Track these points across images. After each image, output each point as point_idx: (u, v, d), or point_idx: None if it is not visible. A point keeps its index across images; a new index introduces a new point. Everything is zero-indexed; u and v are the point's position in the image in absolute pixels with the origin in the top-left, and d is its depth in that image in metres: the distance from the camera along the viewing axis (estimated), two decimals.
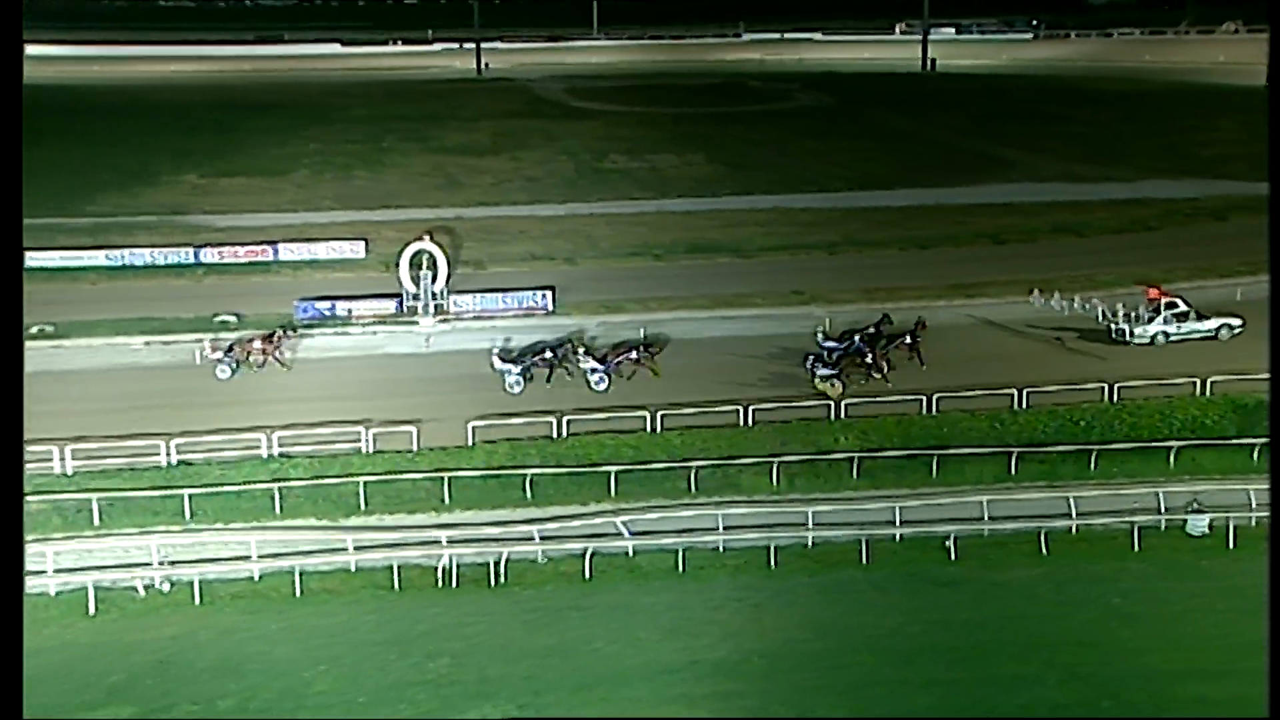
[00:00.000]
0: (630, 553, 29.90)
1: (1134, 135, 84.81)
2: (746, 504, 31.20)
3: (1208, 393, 34.21)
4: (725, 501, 31.24)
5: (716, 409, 34.68)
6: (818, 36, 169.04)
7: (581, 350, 37.67)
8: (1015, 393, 34.53)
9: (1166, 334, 40.91)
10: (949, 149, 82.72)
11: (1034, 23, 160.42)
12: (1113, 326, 41.09)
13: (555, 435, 33.80)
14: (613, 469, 31.97)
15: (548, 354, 37.41)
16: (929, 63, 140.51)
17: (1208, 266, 46.73)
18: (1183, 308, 40.93)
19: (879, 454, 32.54)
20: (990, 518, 30.37)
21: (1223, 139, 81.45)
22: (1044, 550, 29.56)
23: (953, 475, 32.16)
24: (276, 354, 38.44)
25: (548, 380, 37.09)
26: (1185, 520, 30.17)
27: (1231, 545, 29.39)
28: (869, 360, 37.24)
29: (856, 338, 38.32)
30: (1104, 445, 32.33)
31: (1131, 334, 40.58)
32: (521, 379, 36.76)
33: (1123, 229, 55.75)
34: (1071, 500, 30.52)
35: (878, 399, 34.72)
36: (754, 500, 31.47)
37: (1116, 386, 34.42)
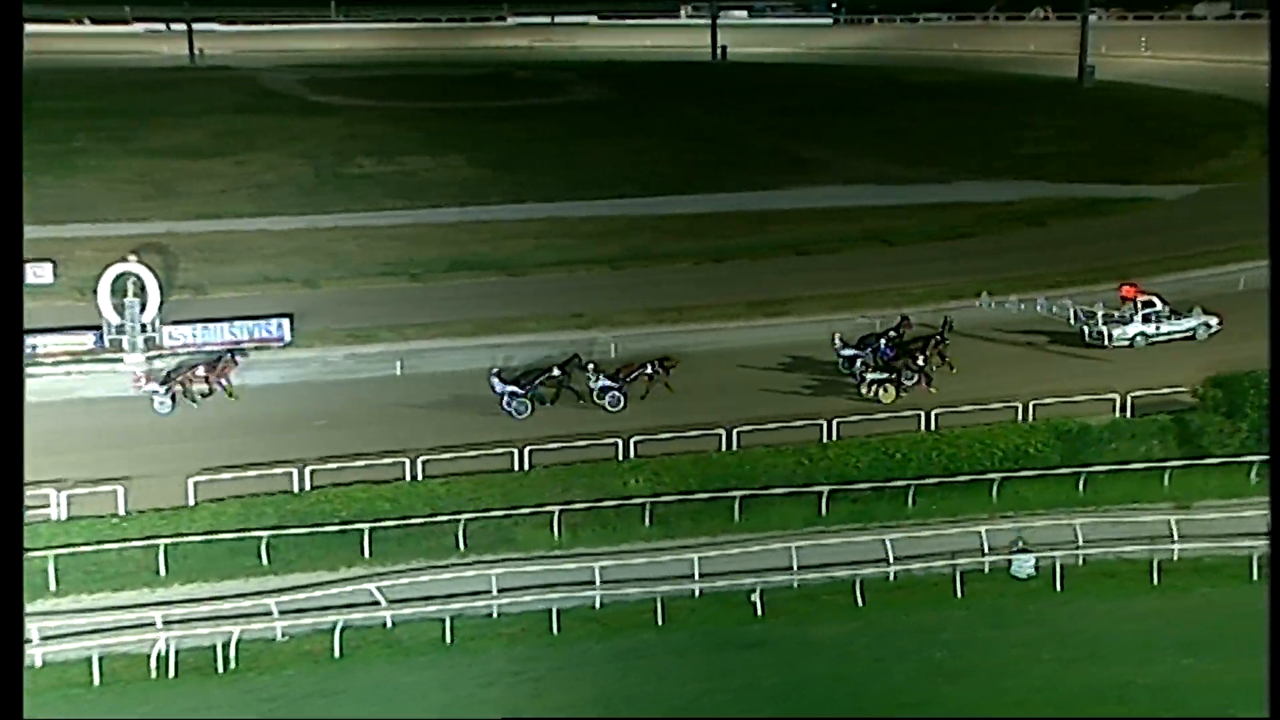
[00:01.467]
0: (389, 624, 29.46)
1: (946, 132, 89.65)
2: (523, 561, 31.19)
3: (1029, 418, 36.23)
4: (499, 560, 31.17)
5: (488, 451, 34.54)
6: (594, 21, 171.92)
7: (591, 366, 38.52)
8: (824, 424, 35.71)
9: (1145, 334, 42.99)
10: (745, 148, 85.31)
11: (834, 6, 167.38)
12: (1087, 329, 43.07)
13: (296, 489, 32.98)
14: (366, 526, 31.43)
15: (555, 372, 38.28)
16: (719, 50, 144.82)
17: (1027, 277, 49.60)
18: (1160, 306, 43.12)
19: (674, 498, 33.06)
20: (800, 567, 31.24)
21: (1038, 136, 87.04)
22: (859, 601, 30.60)
23: (757, 520, 32.95)
24: (222, 381, 38.86)
25: (551, 402, 38.01)
26: (1010, 561, 31.76)
27: (1059, 587, 31.10)
28: (921, 363, 39.13)
29: (882, 342, 40.13)
30: (921, 480, 33.79)
31: (1110, 336, 42.54)
32: (529, 403, 37.56)
33: (937, 236, 58.70)
34: (888, 543, 31.73)
35: (673, 435, 35.26)
36: (532, 557, 31.47)
37: (934, 413, 36.04)
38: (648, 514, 32.77)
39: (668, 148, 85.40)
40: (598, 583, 30.55)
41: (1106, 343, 42.58)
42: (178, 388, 38.55)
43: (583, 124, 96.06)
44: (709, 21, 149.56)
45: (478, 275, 52.67)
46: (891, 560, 31.46)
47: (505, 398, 37.73)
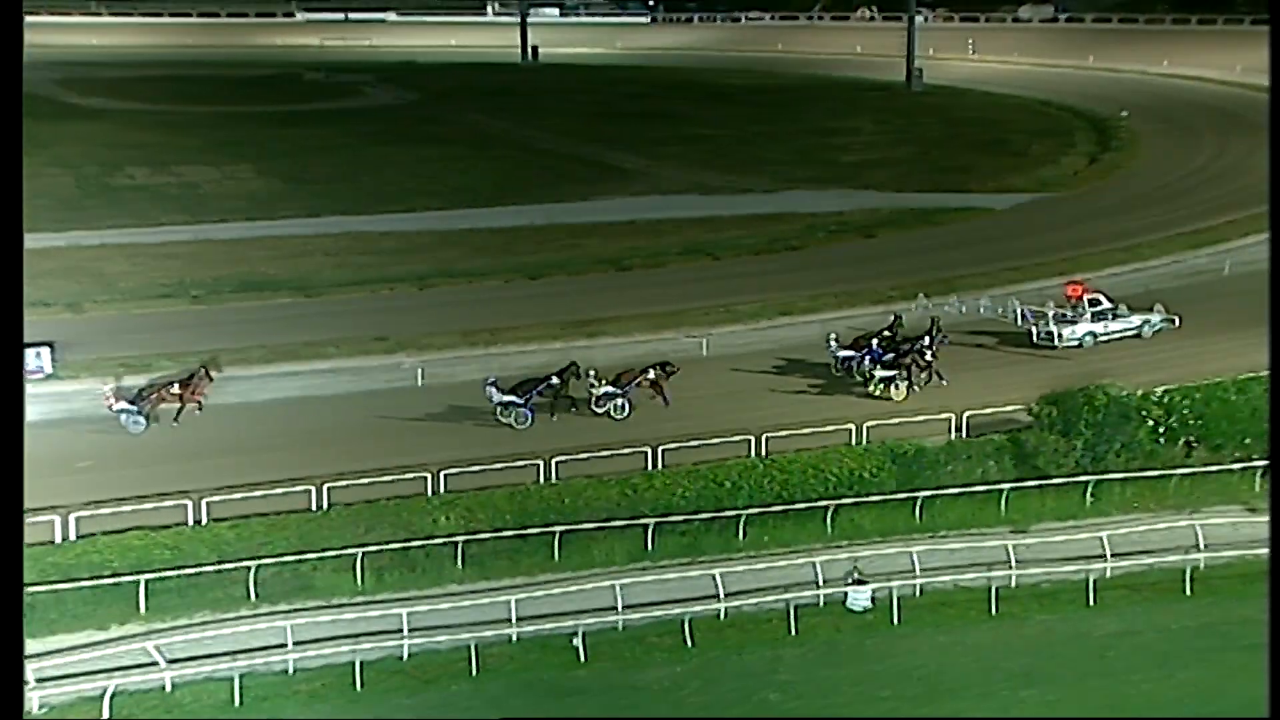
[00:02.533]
0: (168, 686, 28.64)
1: (769, 138, 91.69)
2: (323, 610, 30.69)
3: (864, 440, 37.16)
4: (295, 610, 30.61)
5: (281, 489, 33.85)
6: (391, 17, 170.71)
7: (593, 374, 39.50)
8: (649, 451, 36.02)
9: (1094, 334, 44.69)
10: (559, 157, 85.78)
11: (651, 4, 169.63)
12: (1035, 330, 44.67)
13: (60, 538, 31.78)
14: (142, 578, 30.48)
15: (554, 380, 39.26)
16: (530, 51, 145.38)
17: (857, 291, 50.91)
18: (1106, 304, 44.96)
19: (489, 536, 32.92)
20: (625, 606, 31.41)
21: (865, 142, 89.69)
22: (689, 641, 30.91)
23: (579, 557, 33.03)
24: (196, 400, 39.44)
25: (551, 413, 38.99)
26: (846, 594, 32.47)
27: (896, 619, 31.95)
28: (929, 360, 41.04)
29: (875, 342, 41.98)
30: (753, 510, 34.34)
31: (1060, 336, 44.12)
32: (530, 413, 38.61)
33: (762, 249, 59.85)
34: (718, 578, 32.14)
35: (486, 467, 35.11)
36: (333, 605, 30.99)
37: (764, 437, 36.66)
38: (460, 554, 32.54)
39: (474, 156, 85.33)
40: (405, 631, 30.20)
41: (1057, 343, 44.24)
42: (149, 406, 38.81)
43: (381, 130, 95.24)
44: (518, 19, 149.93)
45: (268, 297, 51.67)
46: (722, 596, 31.85)
47: (503, 407, 38.65)
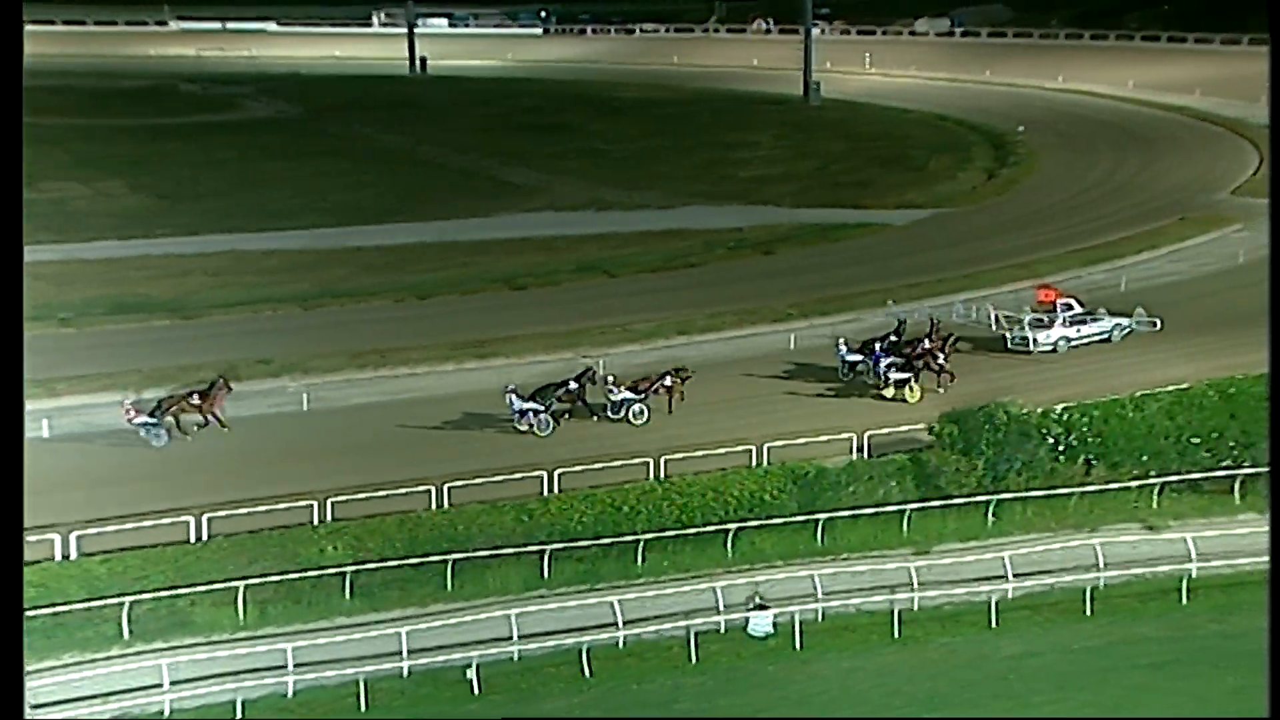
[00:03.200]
0: None
1: (667, 152, 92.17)
2: (203, 648, 30.17)
3: (764, 462, 37.34)
4: (172, 647, 30.07)
5: (156, 521, 33.17)
6: (272, 27, 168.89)
7: (611, 379, 40.79)
8: (545, 475, 35.90)
9: (1068, 339, 45.95)
10: (451, 172, 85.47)
11: (543, 15, 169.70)
12: (1009, 334, 45.99)
13: None
14: None
15: (572, 386, 40.55)
16: (418, 62, 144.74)
17: (756, 309, 51.28)
18: (1078, 309, 46.45)
19: (378, 565, 32.57)
20: (521, 636, 31.24)
21: (764, 157, 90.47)
22: (587, 671, 30.81)
23: (473, 586, 32.83)
24: (215, 412, 39.89)
25: (567, 416, 40.30)
26: (747, 619, 32.55)
27: (798, 645, 32.11)
28: (942, 362, 42.46)
29: (877, 346, 43.24)
30: (652, 535, 34.34)
31: (1034, 341, 45.39)
32: (552, 420, 39.89)
33: (661, 266, 60.08)
34: (617, 605, 32.09)
35: (373, 493, 34.74)
36: (213, 642, 30.47)
37: (663, 459, 36.71)
38: (348, 585, 32.14)
39: (362, 171, 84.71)
40: (290, 667, 29.74)
41: (1031, 348, 45.53)
42: (170, 418, 39.23)
43: (262, 144, 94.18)
44: (405, 30, 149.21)
45: (144, 319, 50.82)
46: (621, 624, 31.80)
47: (524, 415, 39.75)
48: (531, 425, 39.72)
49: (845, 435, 38.34)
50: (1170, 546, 35.16)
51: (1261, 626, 32.28)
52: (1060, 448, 37.31)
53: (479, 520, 34.13)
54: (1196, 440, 37.51)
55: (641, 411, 40.56)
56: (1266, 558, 34.11)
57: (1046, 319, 46.52)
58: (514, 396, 39.98)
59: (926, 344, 43.02)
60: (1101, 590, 34.03)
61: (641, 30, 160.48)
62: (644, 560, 34.04)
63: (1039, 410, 37.90)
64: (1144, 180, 77.85)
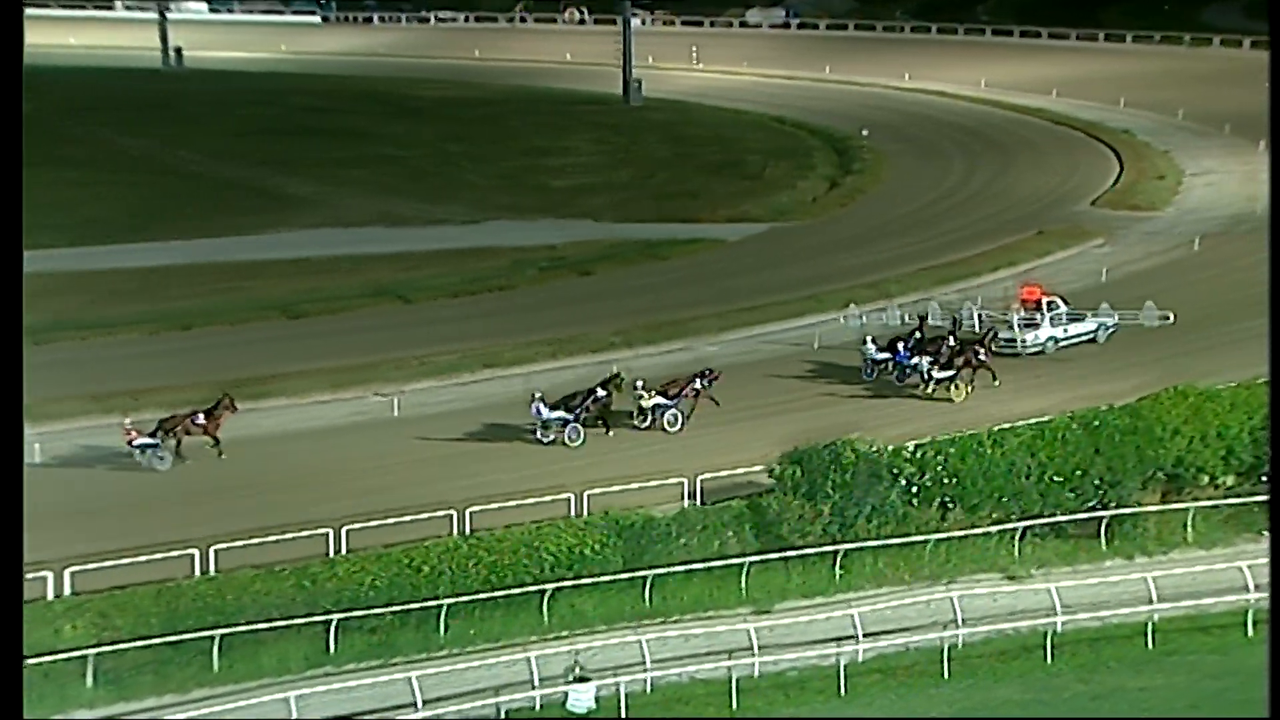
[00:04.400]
0: None
1: (469, 159, 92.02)
2: None
3: (584, 511, 37.36)
4: None
5: None
6: None
7: (640, 384, 43.19)
8: (331, 533, 35.41)
9: (1056, 339, 49.45)
10: (214, 182, 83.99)
11: (322, 1, 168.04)
12: (996, 336, 48.44)
13: None
14: None
15: (599, 393, 42.69)
16: (173, 54, 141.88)
17: (573, 338, 51.46)
18: (1064, 308, 49.87)
19: (129, 646, 31.75)
20: None
21: (580, 164, 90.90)
22: None
23: (245, 665, 32.22)
24: (215, 432, 41.30)
25: (606, 426, 42.92)
26: (566, 694, 32.39)
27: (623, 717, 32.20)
28: (983, 358, 45.70)
29: (900, 345, 46.37)
30: (456, 599, 34.09)
31: (1023, 342, 48.76)
32: (581, 428, 42.18)
33: (462, 290, 59.96)
34: (415, 683, 31.71)
35: (123, 560, 33.80)
36: None
37: (468, 512, 36.48)
38: (91, 671, 31.29)
39: (107, 181, 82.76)
40: None
41: (1020, 349, 48.77)
42: (173, 439, 40.73)
43: None
44: (156, 16, 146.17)
45: None
46: (420, 704, 31.49)
47: (552, 425, 42.07)
48: (560, 436, 42.10)
49: (676, 480, 38.60)
50: (1033, 598, 36.15)
51: (1131, 686, 33.65)
52: (914, 489, 38.09)
53: (252, 588, 33.51)
54: (1060, 479, 38.65)
55: (675, 419, 43.11)
56: (1135, 609, 35.65)
57: (1034, 319, 49.81)
58: (540, 405, 42.05)
59: (951, 340, 46.54)
60: (960, 649, 34.77)
61: (437, 19, 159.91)
62: (447, 629, 33.80)
63: (889, 448, 38.61)
64: (998, 189, 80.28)
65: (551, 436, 42.10)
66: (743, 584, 36.06)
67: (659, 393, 43.31)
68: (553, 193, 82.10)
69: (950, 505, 38.28)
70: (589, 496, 37.61)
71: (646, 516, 36.66)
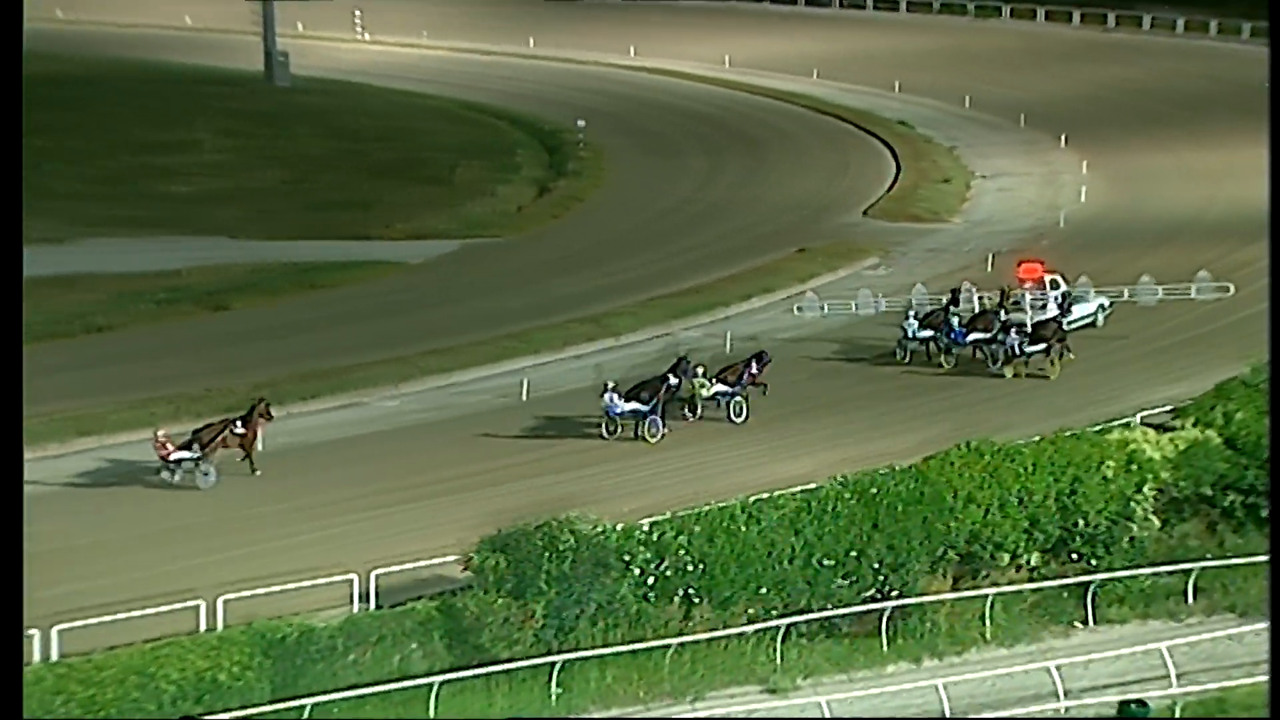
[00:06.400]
0: None
1: (58, 158, 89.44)
2: None
3: (219, 622, 36.58)
4: None
5: None
6: None
7: (701, 370, 48.80)
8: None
9: (1060, 323, 54.82)
10: None
11: None
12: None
13: None
14: None
15: (671, 380, 48.01)
16: None
17: (200, 397, 50.49)
18: (1064, 287, 56.95)
19: None
20: None
21: (209, 164, 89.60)
22: None
23: None
24: (252, 445, 45.18)
25: (691, 412, 48.73)
26: None
27: None
28: (1065, 332, 53.20)
29: (956, 321, 53.92)
30: None
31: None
32: (661, 421, 47.39)
33: (49, 334, 57.78)
34: None
35: None
36: None
37: (55, 630, 35.22)
38: None
39: None
40: None
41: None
42: (212, 453, 44.33)
43: None
44: None
45: None
46: None
47: (626, 419, 47.26)
48: (641, 431, 47.20)
49: (343, 576, 38.06)
50: (800, 714, 36.59)
51: None
52: (650, 581, 38.11)
53: None
54: (830, 563, 39.11)
55: (741, 408, 48.59)
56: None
57: (1042, 301, 56.35)
58: (614, 396, 46.86)
59: (1002, 314, 53.92)
60: None
61: None
62: None
63: (618, 527, 38.57)
64: (750, 196, 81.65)
65: (644, 428, 47.28)
66: (432, 710, 35.76)
67: (718, 379, 48.71)
68: (173, 202, 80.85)
69: (696, 600, 38.41)
70: (224, 603, 36.90)
71: (303, 627, 36.02)
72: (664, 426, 47.47)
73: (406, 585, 38.47)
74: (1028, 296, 56.46)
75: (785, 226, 74.22)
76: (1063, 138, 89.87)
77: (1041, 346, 52.40)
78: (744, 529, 39.12)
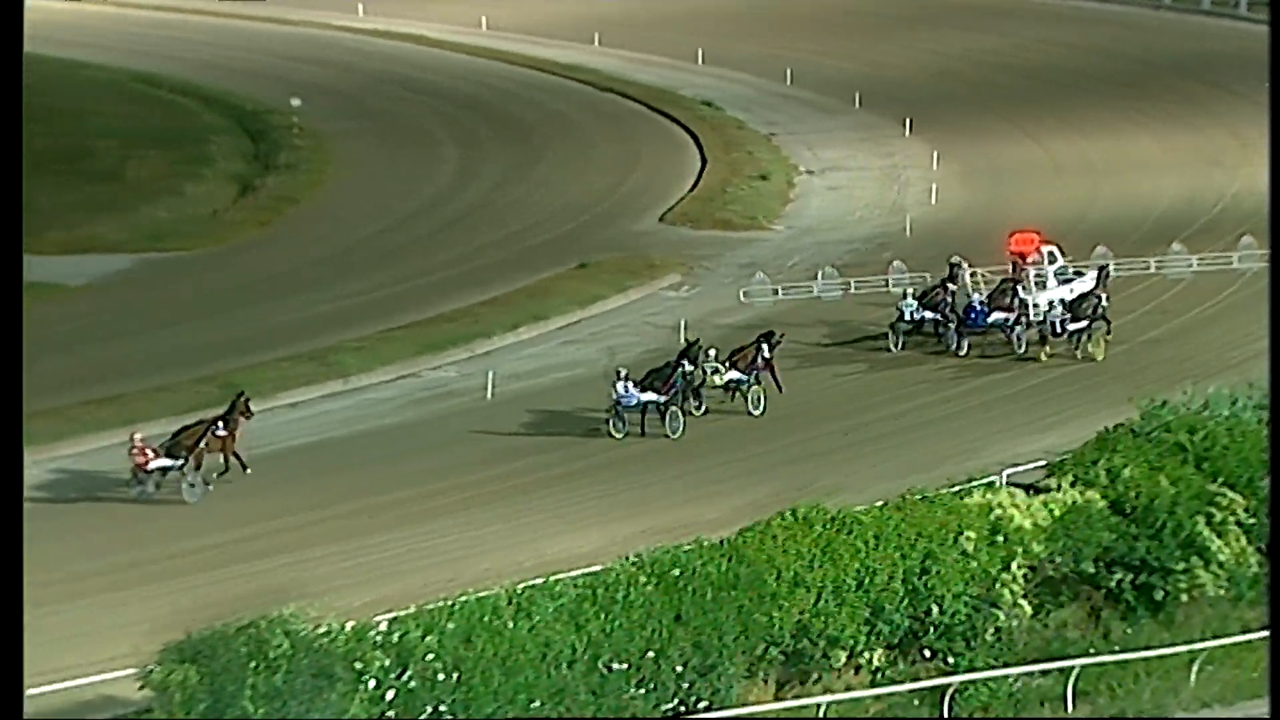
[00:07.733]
0: None
1: None
2: None
3: None
4: None
5: None
6: None
7: (714, 353, 54.47)
8: None
9: (1063, 300, 60.32)
10: None
11: None
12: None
13: None
14: None
15: (686, 367, 53.08)
16: None
17: None
18: (1061, 259, 62.78)
19: None
20: None
21: None
22: None
23: None
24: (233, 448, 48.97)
25: (698, 406, 53.72)
26: None
27: None
28: (1106, 305, 58.94)
29: (975, 299, 59.31)
30: None
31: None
32: (681, 414, 52.62)
33: None
34: None
35: None
36: None
37: None
38: None
39: None
40: None
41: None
42: (196, 460, 47.60)
43: None
44: None
45: None
46: None
47: (644, 410, 51.97)
48: (665, 424, 52.15)
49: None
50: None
51: None
52: (389, 695, 37.91)
53: None
54: (621, 666, 39.12)
55: (759, 398, 54.03)
56: None
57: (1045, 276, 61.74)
58: (628, 385, 51.69)
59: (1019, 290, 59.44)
60: None
61: None
62: None
63: (347, 626, 38.22)
64: (516, 196, 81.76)
65: (669, 420, 52.13)
66: None
67: (730, 365, 54.03)
68: None
69: (450, 718, 38.38)
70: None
71: None
72: (683, 423, 52.53)
73: (61, 709, 37.85)
74: (1032, 272, 61.14)
75: (561, 236, 74.42)
76: (907, 122, 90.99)
77: (1084, 324, 57.63)
78: (511, 625, 38.97)
